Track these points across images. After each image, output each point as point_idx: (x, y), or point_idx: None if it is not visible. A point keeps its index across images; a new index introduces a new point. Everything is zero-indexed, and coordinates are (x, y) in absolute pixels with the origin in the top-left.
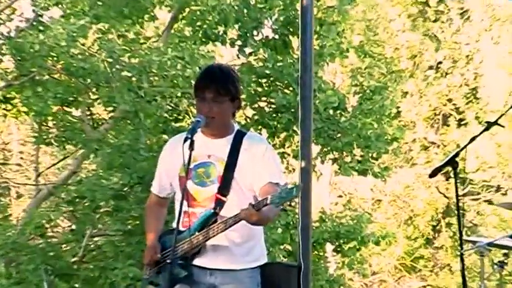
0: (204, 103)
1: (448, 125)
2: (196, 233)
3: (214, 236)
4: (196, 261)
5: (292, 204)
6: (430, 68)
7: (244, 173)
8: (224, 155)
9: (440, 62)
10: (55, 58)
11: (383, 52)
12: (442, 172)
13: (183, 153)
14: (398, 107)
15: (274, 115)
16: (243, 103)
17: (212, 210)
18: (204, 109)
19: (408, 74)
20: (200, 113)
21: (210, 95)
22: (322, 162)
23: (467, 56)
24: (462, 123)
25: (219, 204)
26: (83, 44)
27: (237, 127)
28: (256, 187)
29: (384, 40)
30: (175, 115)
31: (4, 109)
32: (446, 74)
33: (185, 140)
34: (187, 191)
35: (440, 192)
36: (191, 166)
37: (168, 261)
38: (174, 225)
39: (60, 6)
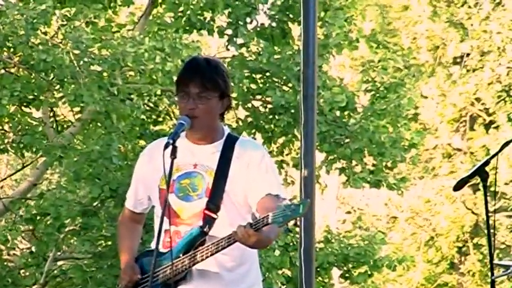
0: (188, 99)
1: (475, 129)
2: (181, 256)
3: (203, 259)
4: None
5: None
6: (455, 62)
7: (236, 185)
8: (213, 164)
9: (467, 55)
10: (12, 49)
11: (399, 43)
12: (469, 184)
13: (163, 161)
14: (417, 108)
15: (270, 117)
16: (234, 102)
17: (200, 229)
18: (188, 106)
19: (429, 68)
20: (183, 111)
21: (195, 90)
22: (328, 172)
23: (498, 48)
24: (492, 126)
25: (208, 222)
26: (45, 33)
27: (227, 131)
28: (252, 201)
29: (400, 29)
30: (154, 117)
31: None
32: (474, 69)
33: (166, 146)
34: (169, 207)
35: (468, 208)
36: (174, 177)
37: None
38: (153, 245)
39: None
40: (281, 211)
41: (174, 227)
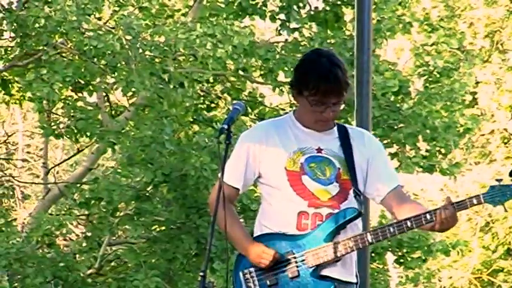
0: (325, 109)
1: None
2: (346, 238)
3: (378, 240)
4: (325, 272)
5: None
6: None
7: (360, 174)
8: (338, 150)
9: None
10: (64, 35)
11: (455, 27)
12: None
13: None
14: (474, 93)
15: None
16: (287, 87)
17: (357, 210)
18: (325, 115)
19: (486, 54)
20: (315, 117)
21: (334, 100)
22: None
23: None
24: None
25: (359, 205)
26: (99, 19)
27: None
28: (383, 191)
29: (457, 13)
30: (207, 102)
31: (5, 94)
32: None
33: (221, 132)
34: (305, 188)
35: None
36: (301, 160)
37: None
38: (275, 228)
39: None
40: (496, 191)
41: (314, 208)
